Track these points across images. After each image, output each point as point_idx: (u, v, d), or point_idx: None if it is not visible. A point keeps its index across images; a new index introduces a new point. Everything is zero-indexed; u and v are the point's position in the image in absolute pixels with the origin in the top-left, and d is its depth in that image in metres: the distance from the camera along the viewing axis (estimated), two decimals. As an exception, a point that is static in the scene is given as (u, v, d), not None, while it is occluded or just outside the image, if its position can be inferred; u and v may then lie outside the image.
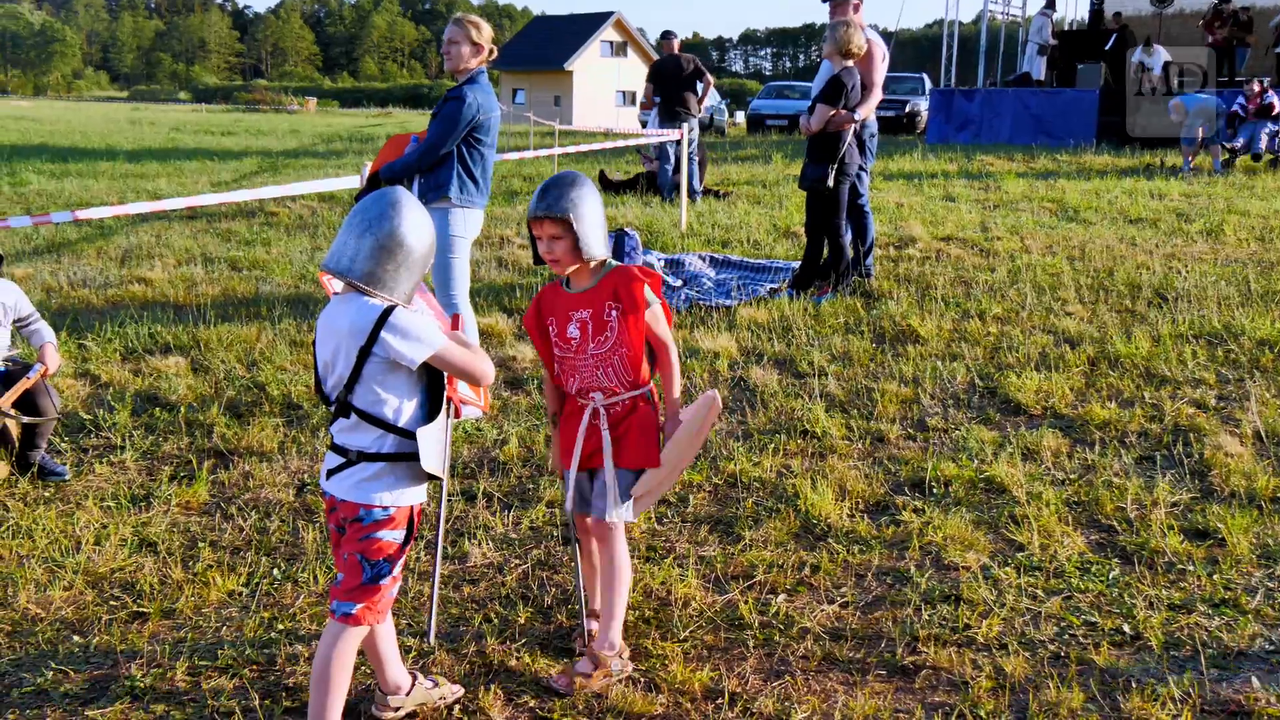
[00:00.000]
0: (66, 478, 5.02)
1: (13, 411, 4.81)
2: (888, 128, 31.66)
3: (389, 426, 2.93)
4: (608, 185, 16.25)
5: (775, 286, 9.19)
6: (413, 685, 3.29)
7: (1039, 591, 4.10)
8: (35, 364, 4.92)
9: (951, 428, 5.85)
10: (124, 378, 6.49)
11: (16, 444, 4.95)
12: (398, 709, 3.26)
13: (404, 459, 2.95)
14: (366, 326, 2.86)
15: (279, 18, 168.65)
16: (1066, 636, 3.80)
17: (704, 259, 10.09)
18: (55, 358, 4.99)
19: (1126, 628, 3.84)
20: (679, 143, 13.39)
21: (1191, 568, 4.27)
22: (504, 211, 13.91)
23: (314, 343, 3.04)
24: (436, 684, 3.37)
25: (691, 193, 14.95)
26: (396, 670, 3.25)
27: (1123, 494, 4.94)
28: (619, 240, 9.21)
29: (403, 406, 2.95)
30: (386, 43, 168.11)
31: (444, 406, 3.06)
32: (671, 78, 14.88)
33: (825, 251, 8.98)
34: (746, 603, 3.98)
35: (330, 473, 2.99)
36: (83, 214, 6.36)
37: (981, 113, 26.04)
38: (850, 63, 8.71)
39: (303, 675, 3.45)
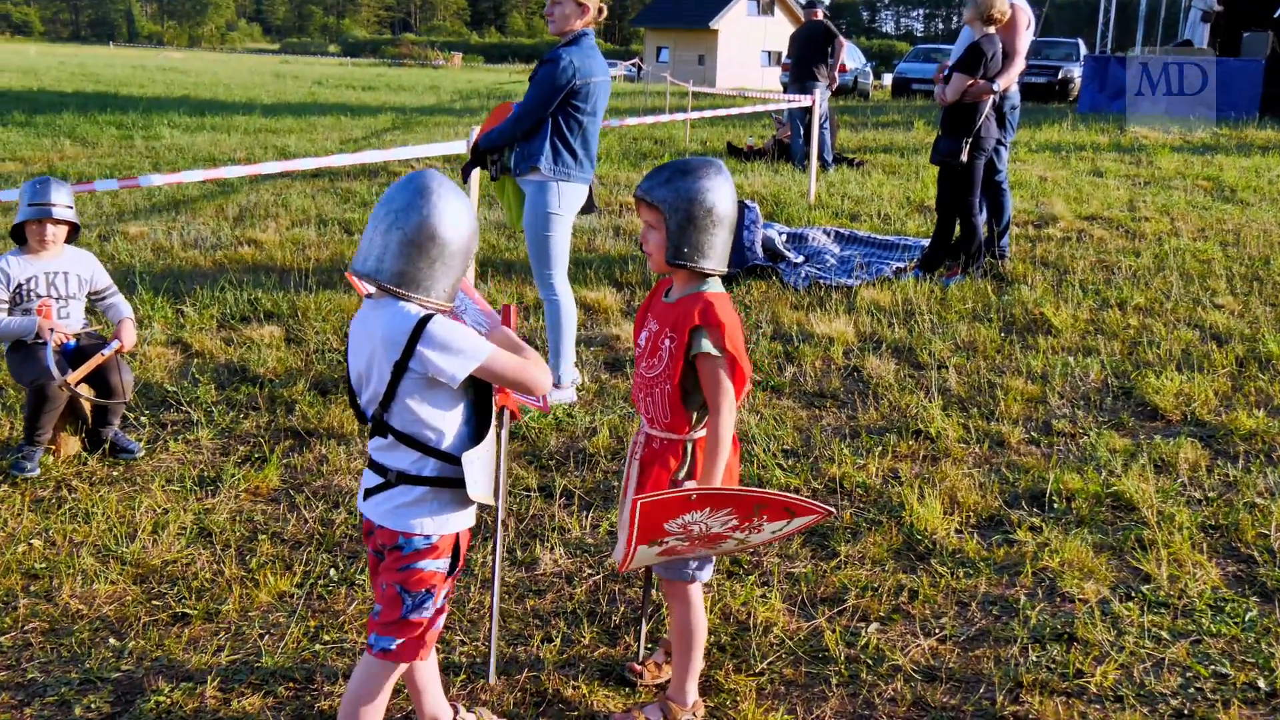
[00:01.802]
0: (138, 455, 4.91)
1: (83, 389, 4.70)
2: (1038, 94, 30.46)
3: (430, 450, 2.61)
4: (735, 154, 15.83)
5: (902, 266, 8.73)
6: (454, 719, 3.05)
7: (1164, 633, 3.67)
8: (111, 340, 4.80)
9: (1080, 433, 5.39)
10: (216, 347, 6.38)
11: (89, 420, 4.85)
12: None
13: (448, 484, 2.63)
14: (401, 339, 2.52)
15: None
16: (1192, 690, 3.38)
17: (828, 234, 9.66)
18: (131, 334, 4.87)
19: (1262, 682, 3.40)
20: (809, 110, 12.88)
21: (1344, 612, 3.80)
22: (629, 176, 13.61)
23: (346, 352, 2.74)
24: (480, 717, 3.12)
25: (824, 162, 14.47)
26: (436, 701, 3.00)
27: (1266, 518, 4.45)
28: (739, 212, 8.84)
29: (445, 427, 2.62)
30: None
31: (495, 422, 2.73)
32: (805, 43, 14.39)
33: (957, 230, 8.50)
34: (833, 631, 3.65)
35: (368, 493, 2.69)
36: (169, 179, 6.27)
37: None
38: (992, 29, 8.17)
39: (339, 698, 3.23)
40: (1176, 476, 4.89)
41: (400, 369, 2.54)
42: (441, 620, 2.76)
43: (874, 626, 3.70)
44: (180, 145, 16.17)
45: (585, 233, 10.06)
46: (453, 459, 2.62)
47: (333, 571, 3.97)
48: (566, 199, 5.54)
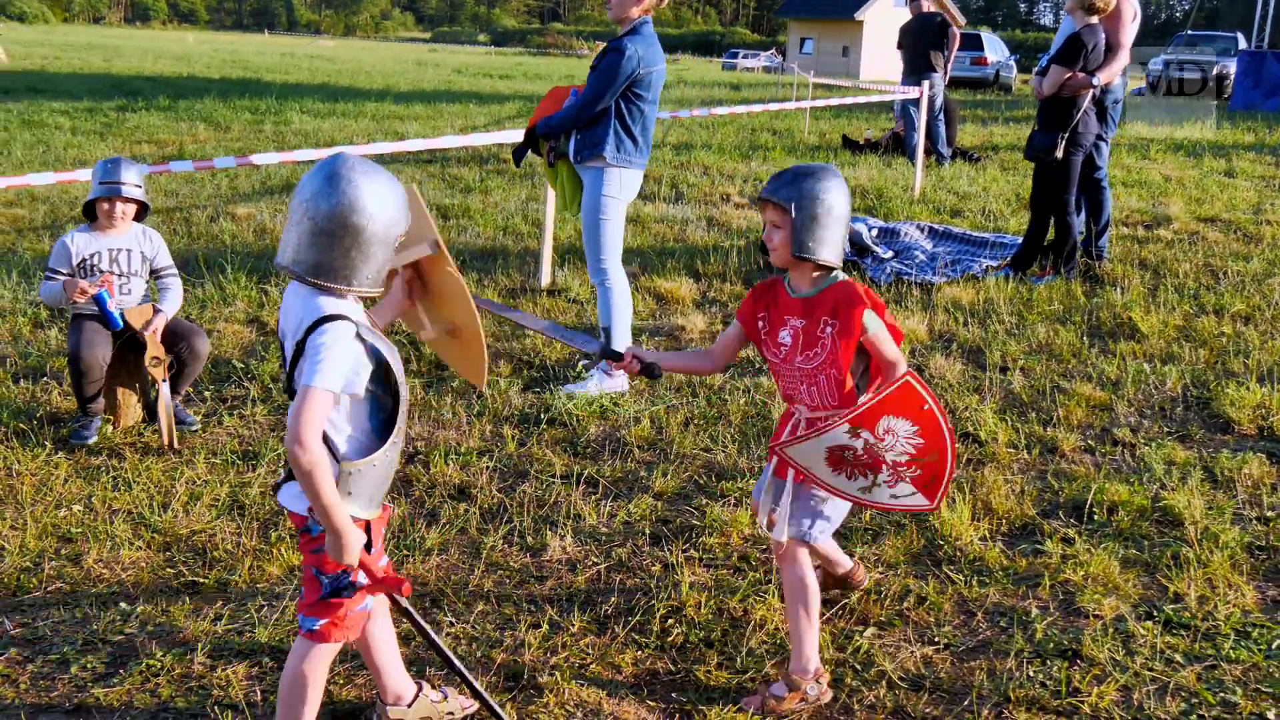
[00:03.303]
0: (196, 429, 5.05)
1: (156, 365, 4.86)
2: (1190, 92, 29.27)
3: (328, 444, 2.53)
4: (849, 146, 15.60)
5: (993, 264, 8.48)
6: (416, 696, 3.06)
7: (1177, 656, 3.49)
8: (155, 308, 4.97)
9: (1140, 443, 5.16)
10: (290, 327, 6.54)
11: (155, 390, 4.98)
12: None
13: (339, 479, 2.54)
14: (302, 329, 2.47)
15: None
16: (1193, 717, 3.21)
17: (922, 229, 9.44)
18: (170, 310, 5.00)
19: (1272, 715, 3.21)
20: (918, 103, 12.61)
21: (1381, 644, 3.56)
22: (735, 167, 13.52)
23: (278, 327, 2.70)
24: (446, 696, 3.13)
25: (939, 156, 14.17)
26: (396, 679, 3.01)
27: (1321, 542, 4.20)
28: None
29: (336, 426, 2.54)
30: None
31: (395, 435, 2.61)
32: (918, 36, 14.09)
33: (1052, 229, 8.22)
34: (828, 634, 3.56)
35: (285, 480, 2.68)
36: (279, 157, 6.44)
37: (1297, 79, 23.62)
38: (1094, 19, 7.88)
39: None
40: (1234, 494, 4.65)
41: (296, 356, 2.49)
42: (369, 602, 2.74)
43: (871, 630, 3.60)
44: (307, 130, 16.62)
45: (677, 223, 10.04)
46: (337, 459, 2.55)
47: (342, 549, 4.03)
48: (626, 185, 5.55)
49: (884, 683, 3.34)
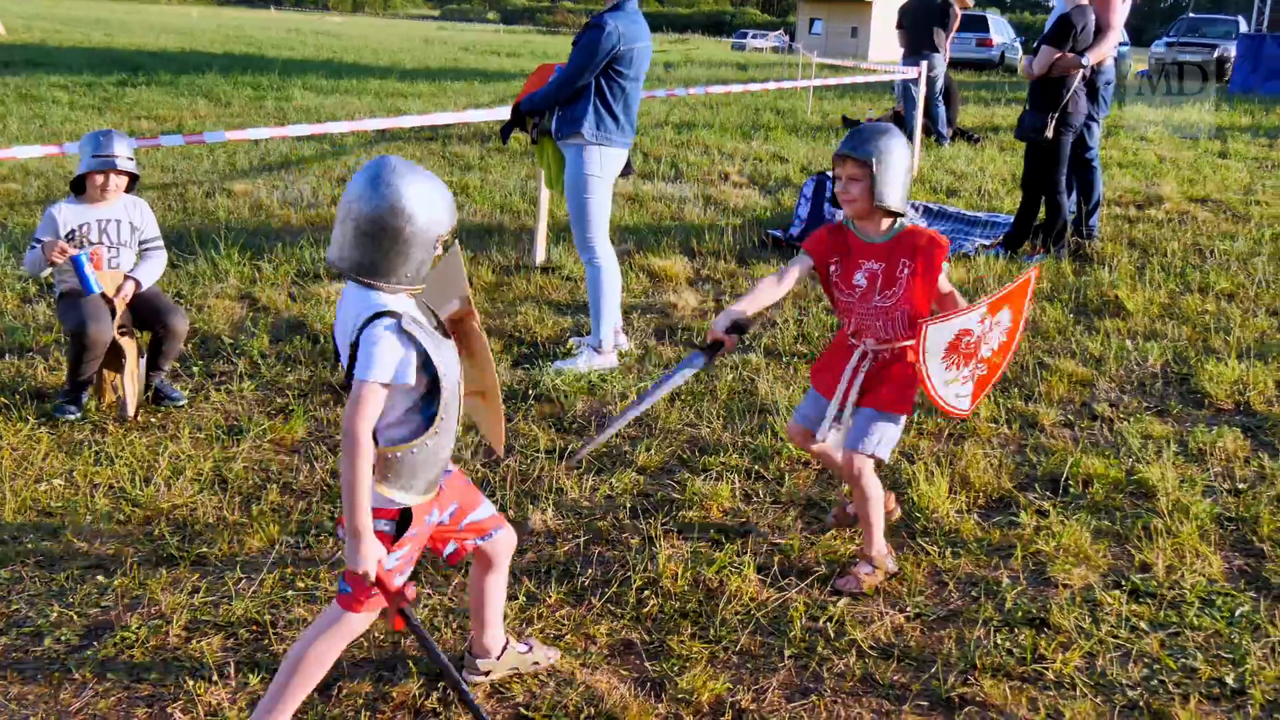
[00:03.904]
0: (181, 403, 5.11)
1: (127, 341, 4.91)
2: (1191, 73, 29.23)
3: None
4: (849, 126, 15.62)
5: (986, 243, 8.54)
6: (504, 649, 3.20)
7: (1143, 624, 3.58)
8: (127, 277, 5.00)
9: (1119, 418, 5.23)
10: (282, 303, 6.61)
11: (136, 366, 5.02)
12: (488, 673, 3.19)
13: (374, 467, 2.68)
14: (358, 323, 2.61)
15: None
16: (1154, 682, 3.29)
17: (917, 208, 9.49)
18: (146, 279, 5.01)
19: (1230, 679, 3.30)
20: (917, 82, 12.64)
21: (1343, 614, 3.64)
22: (736, 146, 13.56)
23: (333, 327, 2.84)
24: (530, 648, 3.28)
25: (939, 136, 14.19)
26: (493, 633, 3.16)
27: (1290, 514, 4.28)
28: (819, 184, 8.77)
29: (391, 415, 2.69)
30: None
31: (435, 425, 2.73)
32: (918, 15, 14.07)
33: (1043, 209, 8.28)
34: (801, 604, 3.65)
35: None
36: (272, 132, 6.50)
37: (1295, 62, 23.57)
38: (1085, 1, 7.91)
39: (292, 643, 3.36)
40: (1208, 466, 4.73)
41: (352, 349, 2.62)
42: (398, 580, 2.79)
43: (845, 601, 3.69)
44: (309, 107, 16.64)
45: (675, 201, 10.09)
46: (398, 444, 2.69)
47: (328, 521, 4.11)
48: (607, 163, 5.59)
49: (854, 651, 3.42)
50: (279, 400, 5.23)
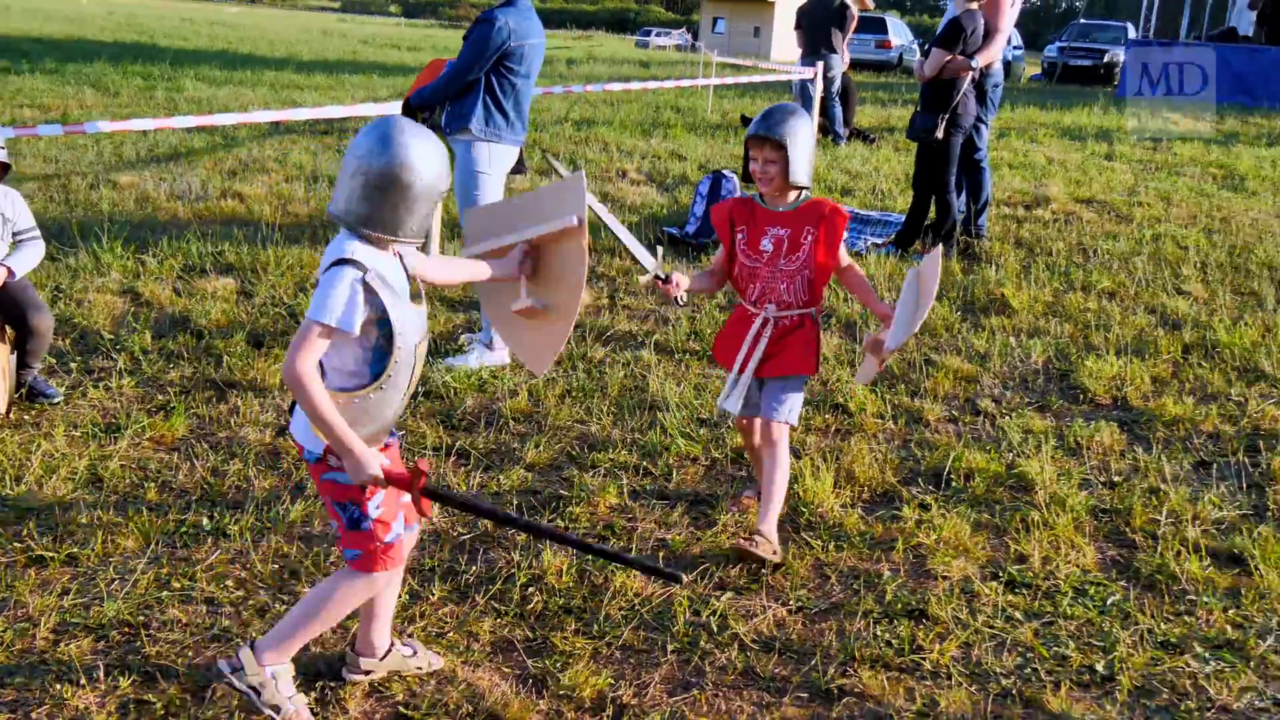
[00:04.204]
0: (56, 400, 4.95)
1: None
2: (1084, 78, 30.03)
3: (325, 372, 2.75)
4: (747, 124, 15.71)
5: (878, 241, 8.66)
6: (389, 651, 3.17)
7: (1018, 614, 3.65)
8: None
9: (1001, 413, 5.34)
10: (167, 297, 6.45)
11: (5, 362, 4.85)
12: (368, 673, 3.15)
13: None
14: (324, 266, 2.69)
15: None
16: (1028, 670, 3.36)
17: (811, 207, 9.57)
18: (19, 269, 4.82)
19: (1100, 666, 3.38)
20: (814, 82, 12.77)
21: (1206, 599, 3.75)
22: (635, 144, 13.56)
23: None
24: (415, 651, 3.24)
25: (835, 136, 14.35)
26: (379, 631, 3.14)
27: (1160, 505, 4.40)
28: (715, 182, 8.82)
29: (337, 359, 2.74)
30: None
31: (381, 381, 2.76)
32: (816, 16, 14.22)
33: (933, 208, 8.42)
34: (686, 599, 3.65)
35: (291, 407, 2.88)
36: (157, 123, 6.33)
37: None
38: (974, 5, 8.09)
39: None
40: (1085, 460, 4.84)
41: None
42: (396, 531, 2.90)
43: (729, 595, 3.71)
44: (201, 98, 16.28)
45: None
46: (340, 392, 2.74)
47: (206, 521, 4.01)
48: (496, 160, 5.54)
49: (736, 645, 3.44)
50: (160, 397, 5.10)
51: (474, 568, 3.81)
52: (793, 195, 3.92)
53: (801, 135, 3.78)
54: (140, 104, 15.25)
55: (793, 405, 3.95)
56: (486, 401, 5.26)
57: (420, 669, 3.22)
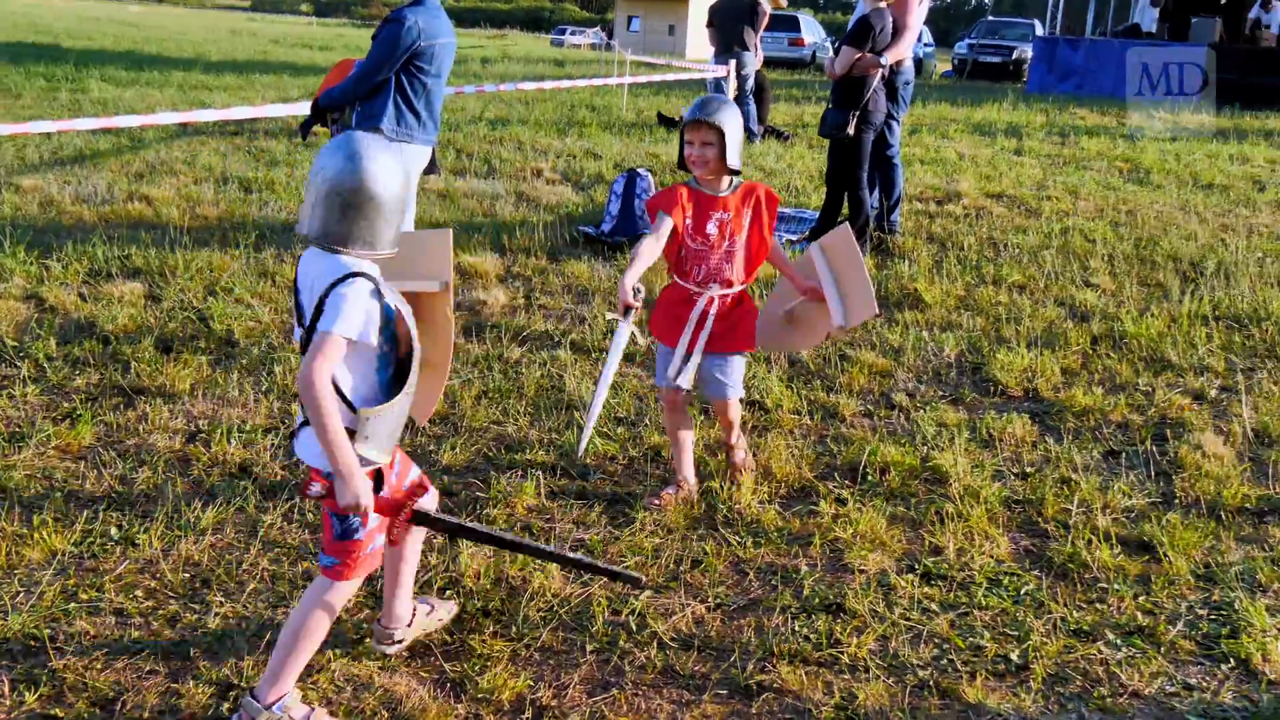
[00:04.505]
0: (-46, 410, 4.82)
1: None
2: (993, 74, 30.58)
3: (339, 394, 2.72)
4: (664, 123, 15.76)
5: (793, 238, 8.72)
6: (412, 619, 3.29)
7: (934, 605, 3.69)
8: None
9: (916, 407, 5.40)
10: (72, 302, 6.29)
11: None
12: (401, 641, 3.28)
13: (351, 432, 2.74)
14: (326, 285, 2.68)
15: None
16: (944, 662, 3.40)
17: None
18: None
19: (1015, 655, 3.43)
20: (727, 79, 12.83)
21: (1118, 587, 3.82)
22: (550, 143, 13.51)
23: (295, 287, 2.84)
24: (432, 607, 3.38)
25: (750, 134, 14.42)
26: (403, 602, 3.25)
27: (1072, 494, 4.48)
28: (629, 181, 8.81)
29: (349, 376, 2.75)
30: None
31: (407, 386, 2.81)
32: (727, 14, 14.27)
33: (846, 204, 8.49)
34: (604, 599, 3.64)
35: (299, 427, 2.85)
36: (57, 125, 6.15)
37: (1086, 64, 24.79)
38: (883, 4, 8.17)
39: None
40: (998, 451, 4.91)
41: (318, 311, 2.68)
42: (374, 545, 2.95)
43: (648, 594, 3.70)
44: (106, 99, 15.91)
45: (487, 198, 9.99)
46: (353, 408, 2.74)
47: (114, 530, 3.91)
48: (407, 159, 5.48)
49: (655, 643, 3.43)
50: (66, 405, 4.97)
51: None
52: (726, 180, 4.16)
53: (734, 123, 4.04)
54: (44, 105, 14.86)
55: (740, 378, 4.32)
56: (401, 404, 5.18)
57: (442, 621, 3.41)
